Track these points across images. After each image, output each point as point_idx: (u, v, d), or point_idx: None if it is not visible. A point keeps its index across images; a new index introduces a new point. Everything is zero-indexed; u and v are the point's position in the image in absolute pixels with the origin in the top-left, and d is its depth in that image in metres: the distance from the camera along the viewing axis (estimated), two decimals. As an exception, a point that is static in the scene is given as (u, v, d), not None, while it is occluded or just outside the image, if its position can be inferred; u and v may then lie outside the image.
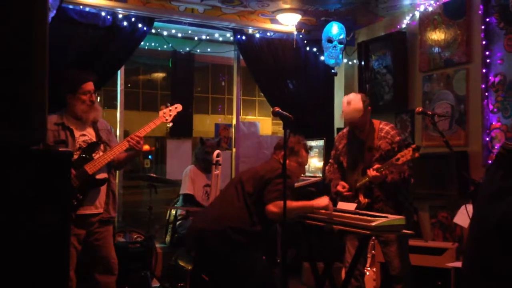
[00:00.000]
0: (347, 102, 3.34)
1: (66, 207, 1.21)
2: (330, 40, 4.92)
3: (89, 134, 3.25)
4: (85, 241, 3.17)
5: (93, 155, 3.17)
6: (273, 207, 2.85)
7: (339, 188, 3.33)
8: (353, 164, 3.35)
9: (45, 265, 1.08)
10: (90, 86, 3.21)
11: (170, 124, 3.41)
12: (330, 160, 3.63)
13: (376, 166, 3.11)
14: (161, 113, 3.35)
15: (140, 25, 4.50)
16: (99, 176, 3.17)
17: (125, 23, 4.44)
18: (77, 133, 3.19)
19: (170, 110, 3.35)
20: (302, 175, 3.81)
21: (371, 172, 3.10)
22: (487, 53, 4.02)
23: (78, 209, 3.09)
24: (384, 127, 3.32)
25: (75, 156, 3.11)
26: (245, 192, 2.98)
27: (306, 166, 3.87)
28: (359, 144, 3.34)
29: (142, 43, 4.70)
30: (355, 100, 3.31)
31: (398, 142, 3.27)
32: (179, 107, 3.40)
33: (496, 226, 1.31)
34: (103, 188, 3.23)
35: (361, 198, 3.23)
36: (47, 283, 1.07)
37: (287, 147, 3.05)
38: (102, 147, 3.26)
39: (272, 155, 3.26)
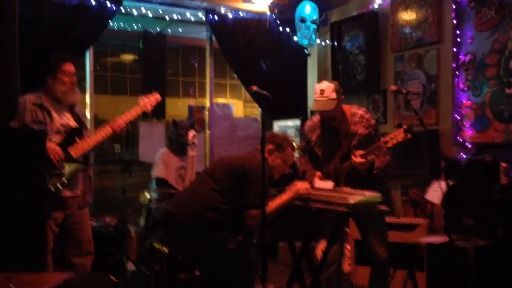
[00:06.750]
0: (320, 91, 3.09)
1: (40, 184, 1.17)
2: (303, 20, 4.90)
3: (67, 118, 3.18)
4: (62, 224, 3.12)
5: (76, 139, 3.13)
6: (251, 220, 2.81)
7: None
8: (329, 153, 3.24)
9: (21, 240, 1.05)
10: (70, 67, 3.15)
11: (150, 113, 3.50)
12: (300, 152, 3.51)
13: (360, 152, 2.99)
14: (141, 101, 3.40)
15: (108, 4, 4.36)
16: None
17: (92, 2, 4.29)
18: (55, 115, 3.12)
19: (150, 100, 3.42)
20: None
21: (357, 159, 2.97)
22: (458, 32, 4.08)
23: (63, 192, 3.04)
24: (357, 112, 3.21)
25: (58, 140, 3.06)
26: (217, 177, 2.89)
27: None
28: (334, 132, 3.21)
29: (111, 23, 4.57)
30: (329, 90, 3.07)
31: (374, 125, 3.21)
32: (158, 97, 3.48)
33: None
34: (80, 173, 3.17)
35: (342, 186, 3.18)
36: (23, 257, 1.03)
37: (274, 142, 2.96)
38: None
39: (257, 146, 3.01)
